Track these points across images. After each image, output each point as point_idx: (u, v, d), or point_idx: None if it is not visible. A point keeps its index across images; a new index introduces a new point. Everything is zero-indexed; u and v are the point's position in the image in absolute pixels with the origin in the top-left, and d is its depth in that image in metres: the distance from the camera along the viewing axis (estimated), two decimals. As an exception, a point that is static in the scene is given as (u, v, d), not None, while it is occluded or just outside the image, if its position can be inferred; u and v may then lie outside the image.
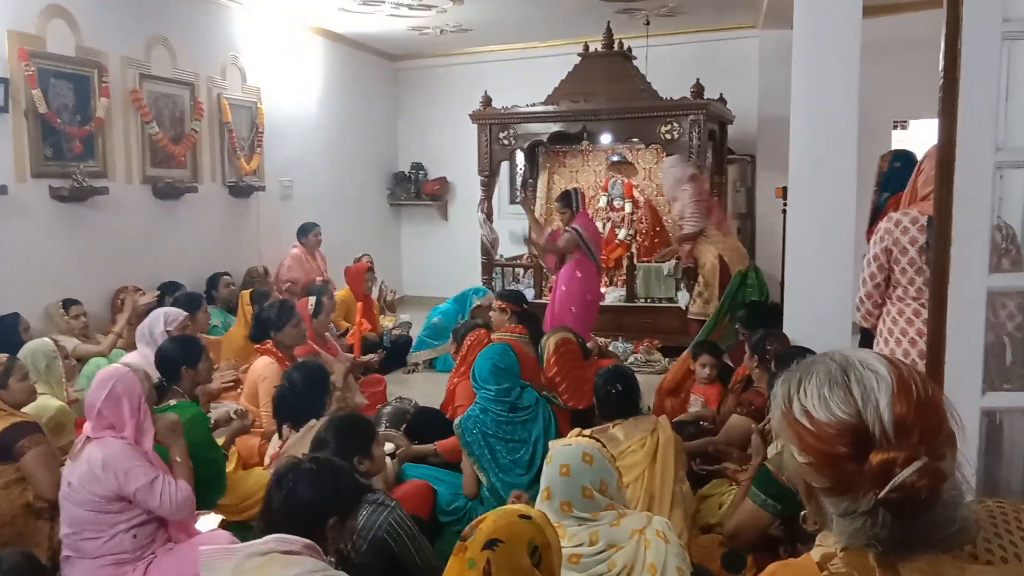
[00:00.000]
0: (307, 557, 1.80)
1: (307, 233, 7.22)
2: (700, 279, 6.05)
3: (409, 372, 6.49)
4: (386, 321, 7.27)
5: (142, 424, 2.86)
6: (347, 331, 6.41)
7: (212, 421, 3.77)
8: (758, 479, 2.66)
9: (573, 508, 2.13)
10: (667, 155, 7.11)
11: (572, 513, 2.13)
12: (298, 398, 3.40)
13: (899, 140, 7.17)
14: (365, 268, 7.02)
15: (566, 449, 2.22)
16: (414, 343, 6.75)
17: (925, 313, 2.64)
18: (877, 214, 3.73)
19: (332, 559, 2.20)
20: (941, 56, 1.91)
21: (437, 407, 4.57)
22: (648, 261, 7.23)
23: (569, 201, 5.91)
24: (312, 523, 1.95)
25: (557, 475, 2.16)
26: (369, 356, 5.73)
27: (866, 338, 3.43)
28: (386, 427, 4.13)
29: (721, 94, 7.15)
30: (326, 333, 5.35)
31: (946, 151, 1.91)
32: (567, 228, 5.85)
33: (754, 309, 4.61)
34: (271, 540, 1.81)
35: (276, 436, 3.58)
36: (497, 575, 1.60)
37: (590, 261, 5.88)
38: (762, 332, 3.67)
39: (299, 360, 4.46)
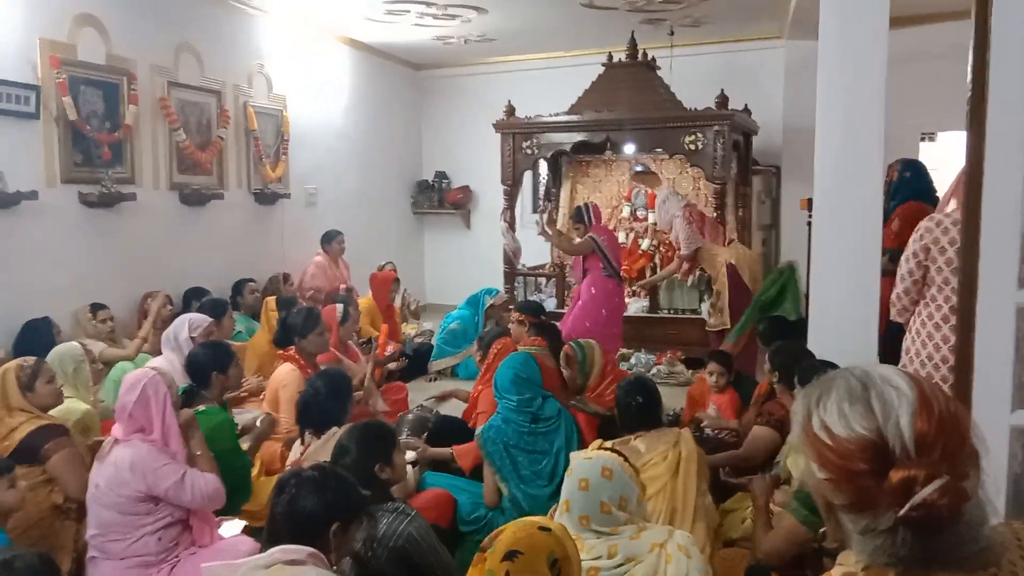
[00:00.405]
0: (312, 567, 1.80)
1: (331, 241, 7.26)
2: (713, 292, 6.22)
3: (432, 380, 6.49)
4: (408, 329, 7.29)
5: (169, 426, 2.90)
6: (370, 339, 6.43)
7: (239, 427, 3.80)
8: (799, 493, 2.63)
9: (591, 522, 2.11)
10: (690, 166, 7.13)
11: (591, 527, 2.11)
12: (321, 405, 3.40)
13: (926, 152, 7.11)
14: (391, 278, 7.05)
15: (587, 463, 2.19)
16: (433, 351, 6.76)
17: (945, 327, 2.79)
18: (884, 223, 3.77)
19: (348, 567, 2.22)
20: (969, 67, 1.89)
21: (460, 415, 4.58)
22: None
23: (581, 216, 6.10)
24: (315, 530, 1.96)
25: (576, 489, 2.14)
26: (391, 353, 5.76)
27: (892, 341, 3.40)
28: (407, 435, 4.13)
29: (746, 105, 7.12)
30: (348, 341, 5.38)
31: (974, 163, 1.89)
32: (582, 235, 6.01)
33: (773, 323, 4.61)
34: (276, 552, 1.81)
35: (298, 442, 3.60)
36: None
37: (606, 277, 5.96)
38: (777, 344, 3.68)
39: (322, 368, 4.49)
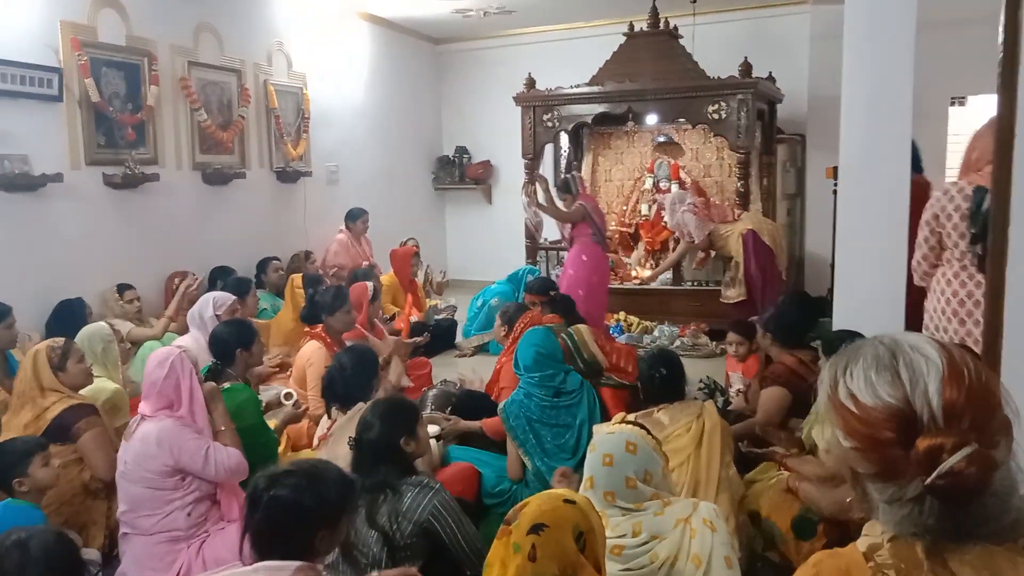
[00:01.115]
0: None
1: (356, 219, 7.28)
2: (732, 264, 6.38)
3: (469, 355, 6.45)
4: (433, 303, 7.30)
5: (196, 401, 2.95)
6: (394, 316, 6.46)
7: (264, 404, 3.84)
8: None
9: (617, 498, 2.09)
10: (714, 135, 7.06)
11: (616, 503, 2.09)
12: (347, 380, 3.42)
13: (956, 117, 6.95)
14: (412, 252, 7.06)
15: (610, 438, 2.17)
16: (468, 326, 6.75)
17: (967, 275, 3.09)
18: None
19: (373, 540, 2.23)
20: (1000, 29, 1.84)
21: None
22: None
23: (569, 187, 6.16)
24: (299, 543, 1.87)
25: (600, 464, 2.12)
26: (415, 339, 5.77)
27: (916, 307, 3.46)
28: (432, 410, 4.16)
29: (770, 72, 7.01)
30: (375, 318, 5.41)
31: (1005, 128, 1.85)
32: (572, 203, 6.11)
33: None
34: (260, 569, 1.74)
35: (325, 417, 3.63)
36: (542, 560, 1.60)
37: (595, 244, 6.03)
38: (769, 312, 3.96)
39: (348, 344, 4.52)
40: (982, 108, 6.18)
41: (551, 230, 7.56)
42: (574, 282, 5.90)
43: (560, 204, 6.23)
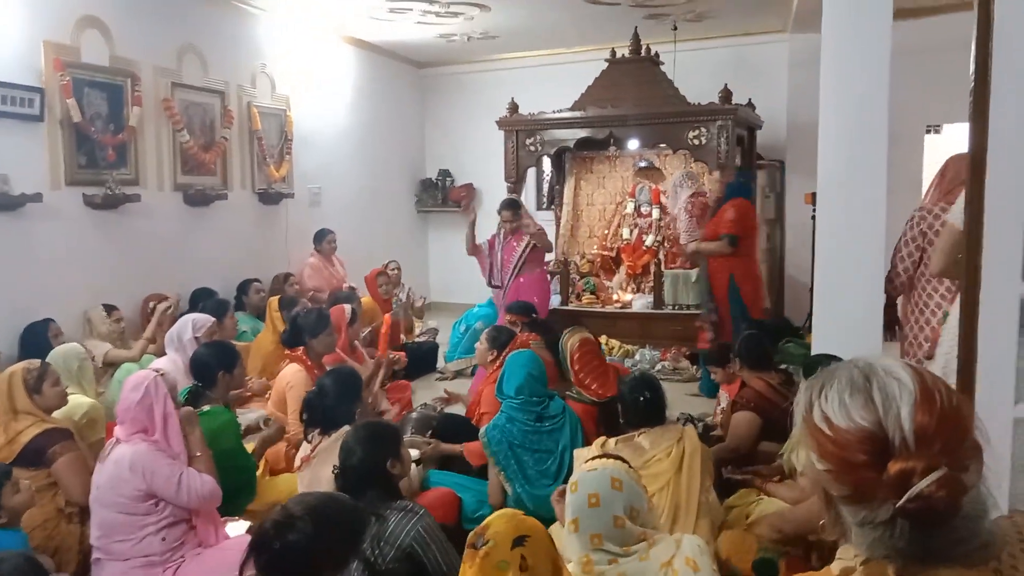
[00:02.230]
0: None
1: (321, 240, 7.29)
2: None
3: (449, 379, 6.44)
4: (415, 326, 7.29)
5: (171, 426, 2.92)
6: (375, 338, 6.44)
7: (243, 428, 3.80)
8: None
9: (604, 540, 2.01)
10: (695, 161, 7.12)
11: (603, 546, 2.00)
12: (329, 404, 3.37)
13: (932, 144, 7.06)
14: (376, 272, 7.08)
15: (592, 475, 2.09)
16: (451, 352, 6.73)
17: (939, 296, 3.35)
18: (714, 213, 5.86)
19: (354, 566, 2.20)
20: (972, 58, 1.88)
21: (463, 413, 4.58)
22: (675, 267, 7.19)
23: (518, 207, 6.30)
24: None
25: (586, 506, 2.03)
26: (395, 355, 5.77)
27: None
28: (412, 433, 4.13)
29: (750, 99, 7.09)
30: (355, 341, 5.38)
31: (977, 156, 1.88)
32: (533, 227, 6.20)
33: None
34: None
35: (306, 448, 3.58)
36: (536, 566, 1.62)
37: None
38: (742, 336, 4.07)
39: (329, 367, 4.49)
40: (957, 136, 6.28)
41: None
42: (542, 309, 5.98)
43: (507, 227, 6.23)
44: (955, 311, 3.37)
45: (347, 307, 5.27)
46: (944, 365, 3.33)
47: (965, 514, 0.96)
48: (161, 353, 4.60)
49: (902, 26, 3.57)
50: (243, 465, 3.42)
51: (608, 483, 2.06)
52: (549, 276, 6.39)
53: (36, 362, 3.36)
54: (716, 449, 3.65)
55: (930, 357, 3.87)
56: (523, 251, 6.12)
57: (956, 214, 3.48)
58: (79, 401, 3.78)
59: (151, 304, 5.35)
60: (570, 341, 4.34)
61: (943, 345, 3.33)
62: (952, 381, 3.45)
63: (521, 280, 6.12)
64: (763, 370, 3.78)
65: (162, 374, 3.01)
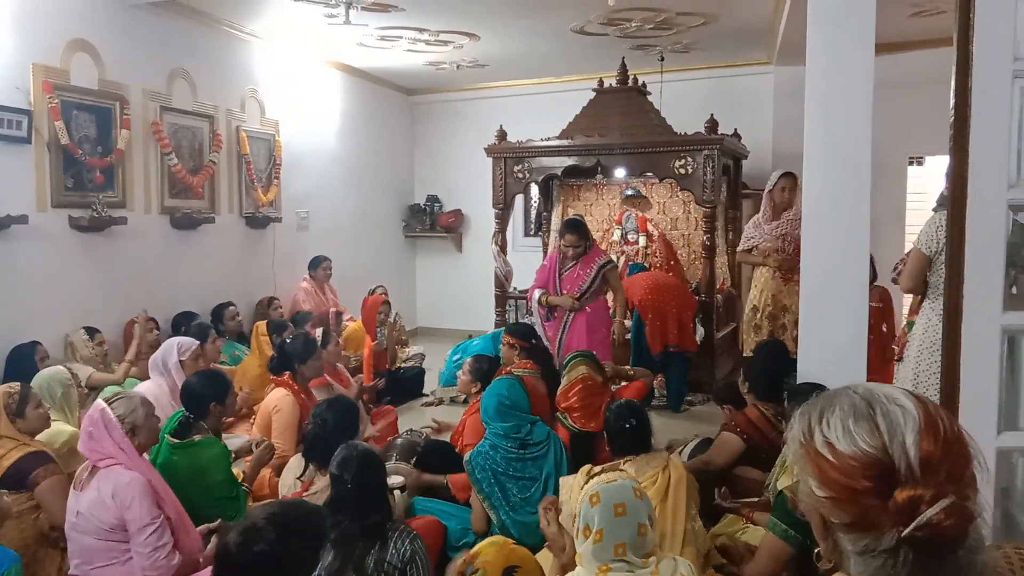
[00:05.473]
0: None
1: (317, 267, 7.31)
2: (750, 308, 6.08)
3: (434, 405, 6.41)
4: (400, 353, 7.26)
5: (128, 451, 2.86)
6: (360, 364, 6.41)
7: (232, 454, 3.77)
8: (777, 507, 2.64)
9: (628, 550, 2.03)
10: (681, 190, 7.17)
11: (625, 556, 2.02)
12: (330, 438, 3.25)
13: (915, 176, 7.16)
14: (380, 301, 7.03)
15: (613, 486, 2.12)
16: (445, 373, 6.69)
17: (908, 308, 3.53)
18: None
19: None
20: (952, 93, 1.92)
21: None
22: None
23: (585, 229, 5.69)
24: None
25: (612, 516, 2.06)
26: (376, 380, 5.77)
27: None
28: (396, 460, 4.10)
29: (736, 129, 7.17)
30: (338, 364, 5.37)
31: (957, 188, 1.91)
32: (606, 259, 5.62)
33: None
34: None
35: (291, 474, 3.54)
36: None
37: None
38: (759, 361, 4.08)
39: (314, 391, 4.48)
40: (940, 168, 6.37)
41: (521, 279, 7.59)
42: (606, 341, 5.53)
43: (582, 248, 5.55)
44: (919, 321, 3.88)
45: (318, 331, 5.27)
46: (915, 368, 3.85)
47: (968, 545, 0.95)
48: (145, 376, 4.56)
49: (886, 60, 3.65)
50: (232, 495, 3.40)
51: (631, 492, 2.11)
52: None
53: (16, 385, 3.33)
54: (694, 461, 3.74)
55: (900, 359, 4.30)
56: (593, 279, 5.45)
57: (922, 240, 3.79)
58: (59, 428, 3.74)
59: (132, 326, 5.26)
60: (578, 368, 4.29)
61: (911, 349, 3.93)
62: (922, 382, 3.65)
63: (588, 311, 5.48)
64: (769, 399, 3.74)
65: (112, 403, 2.94)
